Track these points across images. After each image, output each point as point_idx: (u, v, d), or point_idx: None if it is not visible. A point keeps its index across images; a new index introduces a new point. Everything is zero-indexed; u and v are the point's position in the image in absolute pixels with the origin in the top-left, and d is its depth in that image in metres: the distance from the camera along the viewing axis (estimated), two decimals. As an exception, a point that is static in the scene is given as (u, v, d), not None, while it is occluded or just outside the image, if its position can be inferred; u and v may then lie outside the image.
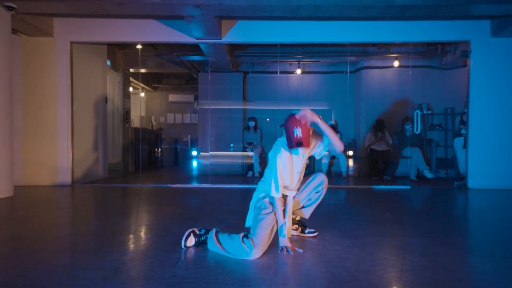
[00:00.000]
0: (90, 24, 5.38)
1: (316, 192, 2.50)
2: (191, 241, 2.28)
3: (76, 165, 5.64)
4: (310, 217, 2.56)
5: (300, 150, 2.27)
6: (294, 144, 2.19)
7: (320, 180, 2.48)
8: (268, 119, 8.05)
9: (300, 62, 7.86)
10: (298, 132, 2.16)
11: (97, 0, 4.10)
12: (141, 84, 9.85)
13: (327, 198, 4.44)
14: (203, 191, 5.05)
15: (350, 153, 7.37)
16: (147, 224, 3.04)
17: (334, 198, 4.53)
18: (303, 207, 2.56)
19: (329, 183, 2.64)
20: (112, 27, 5.39)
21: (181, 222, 2.96)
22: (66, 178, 5.41)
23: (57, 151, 5.39)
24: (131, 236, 2.62)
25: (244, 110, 8.09)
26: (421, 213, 3.72)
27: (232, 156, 7.73)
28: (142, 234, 2.69)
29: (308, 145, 2.25)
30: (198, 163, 8.17)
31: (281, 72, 7.95)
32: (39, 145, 5.38)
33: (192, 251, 2.21)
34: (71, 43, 5.46)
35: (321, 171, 6.96)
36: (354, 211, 3.59)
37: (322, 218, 3.12)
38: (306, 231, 2.60)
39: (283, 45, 6.55)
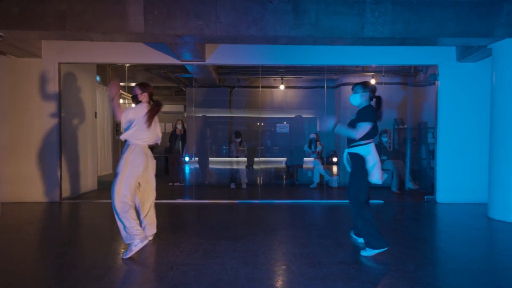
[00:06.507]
0: (78, 46, 5.60)
1: None
2: None
3: (64, 180, 5.86)
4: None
5: None
6: None
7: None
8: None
9: (283, 78, 8.23)
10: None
11: (82, 29, 4.35)
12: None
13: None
14: (188, 207, 5.32)
15: (334, 159, 7.68)
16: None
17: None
18: None
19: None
20: (100, 49, 5.61)
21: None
22: (55, 194, 5.64)
23: (46, 168, 5.61)
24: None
25: (230, 122, 8.40)
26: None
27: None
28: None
29: None
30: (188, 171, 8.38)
31: (264, 87, 8.27)
32: (28, 162, 5.59)
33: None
34: (59, 63, 5.69)
35: (313, 182, 7.24)
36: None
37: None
38: None
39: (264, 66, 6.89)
